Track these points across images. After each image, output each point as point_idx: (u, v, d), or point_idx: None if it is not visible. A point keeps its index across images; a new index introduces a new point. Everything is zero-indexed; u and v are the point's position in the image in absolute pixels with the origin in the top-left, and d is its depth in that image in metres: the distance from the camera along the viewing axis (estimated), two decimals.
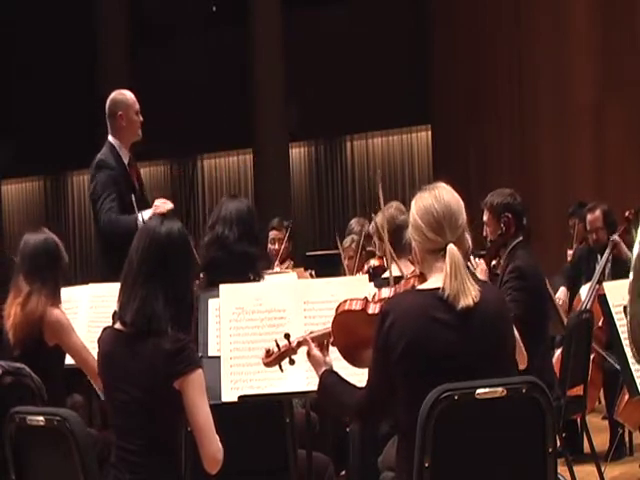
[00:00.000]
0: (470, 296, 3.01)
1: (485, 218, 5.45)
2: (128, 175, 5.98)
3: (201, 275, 4.70)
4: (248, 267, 4.53)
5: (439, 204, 3.10)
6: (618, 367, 5.50)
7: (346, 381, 3.32)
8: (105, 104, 6.05)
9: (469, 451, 2.95)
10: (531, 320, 4.90)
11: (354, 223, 7.33)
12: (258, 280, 4.51)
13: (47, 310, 4.50)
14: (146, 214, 5.39)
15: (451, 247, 3.05)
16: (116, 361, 3.31)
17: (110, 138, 6.02)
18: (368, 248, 6.69)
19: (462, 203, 3.16)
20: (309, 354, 3.41)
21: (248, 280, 4.42)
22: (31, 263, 4.59)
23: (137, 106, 6.00)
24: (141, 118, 6.01)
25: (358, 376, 3.43)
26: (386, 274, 4.90)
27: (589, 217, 7.27)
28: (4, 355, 4.27)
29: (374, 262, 5.92)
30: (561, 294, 7.34)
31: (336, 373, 3.36)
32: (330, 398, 3.35)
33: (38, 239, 4.65)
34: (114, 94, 6.05)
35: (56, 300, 4.58)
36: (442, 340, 3.00)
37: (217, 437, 3.24)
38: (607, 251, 6.99)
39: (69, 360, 4.68)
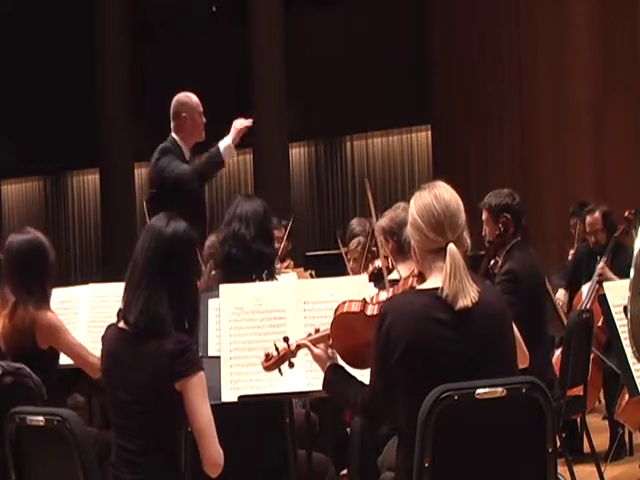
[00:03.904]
0: (469, 296, 3.00)
1: (484, 218, 5.45)
2: None
3: (212, 272, 4.71)
4: (264, 266, 4.53)
5: (439, 204, 3.09)
6: (617, 370, 5.52)
7: (351, 376, 3.32)
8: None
9: (469, 451, 2.94)
10: (526, 322, 4.85)
11: (355, 223, 7.31)
12: (271, 280, 4.51)
13: (38, 314, 4.39)
14: (226, 140, 5.88)
15: (451, 247, 3.04)
16: (119, 360, 3.31)
17: (173, 135, 6.19)
18: (372, 248, 6.68)
19: (461, 202, 3.14)
20: (312, 353, 3.42)
21: (261, 279, 4.42)
22: (15, 270, 4.45)
23: (200, 108, 6.22)
24: (204, 119, 6.22)
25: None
26: (391, 275, 4.90)
27: (588, 219, 7.26)
28: None
29: (379, 263, 5.89)
30: (560, 295, 7.32)
31: (341, 368, 3.36)
32: (336, 394, 3.36)
33: (22, 242, 4.49)
34: (179, 96, 6.29)
35: (45, 304, 4.46)
36: (442, 340, 2.99)
37: (217, 440, 3.24)
38: (605, 256, 6.97)
39: (69, 360, 4.67)
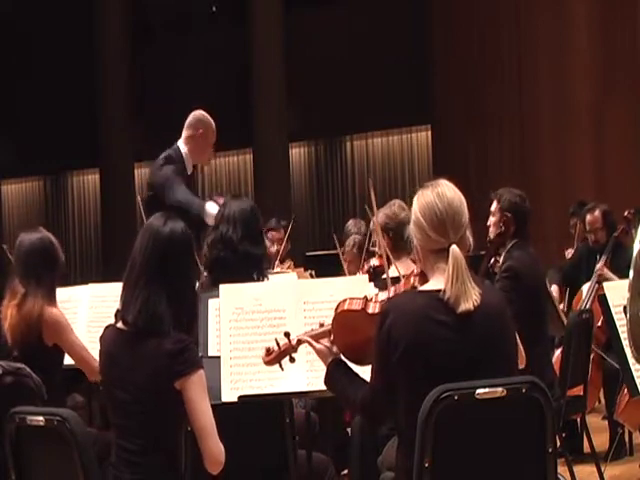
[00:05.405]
0: (471, 299, 2.98)
1: (492, 208, 5.46)
2: (188, 184, 6.02)
3: (204, 274, 4.70)
4: (252, 267, 4.52)
5: (442, 202, 3.06)
6: (617, 366, 5.50)
7: (353, 373, 3.32)
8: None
9: (469, 451, 2.94)
10: (525, 320, 4.84)
11: (351, 225, 7.32)
12: (262, 280, 4.50)
13: (45, 310, 4.47)
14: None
15: (454, 249, 3.01)
16: (117, 360, 3.31)
17: (180, 145, 6.04)
18: (372, 249, 6.67)
19: (464, 200, 3.11)
20: (314, 348, 3.41)
21: (252, 280, 4.41)
22: (26, 263, 4.55)
23: (215, 137, 6.06)
24: (213, 149, 6.10)
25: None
26: (389, 272, 4.89)
27: (588, 218, 7.27)
28: (3, 356, 4.27)
29: (375, 261, 5.89)
30: (552, 291, 7.26)
31: (343, 363, 3.35)
32: (336, 390, 3.35)
33: (33, 239, 4.60)
34: (202, 112, 6.10)
35: (52, 300, 4.54)
36: (442, 341, 2.98)
37: (218, 437, 3.24)
38: (604, 256, 6.97)
39: (69, 360, 4.68)
